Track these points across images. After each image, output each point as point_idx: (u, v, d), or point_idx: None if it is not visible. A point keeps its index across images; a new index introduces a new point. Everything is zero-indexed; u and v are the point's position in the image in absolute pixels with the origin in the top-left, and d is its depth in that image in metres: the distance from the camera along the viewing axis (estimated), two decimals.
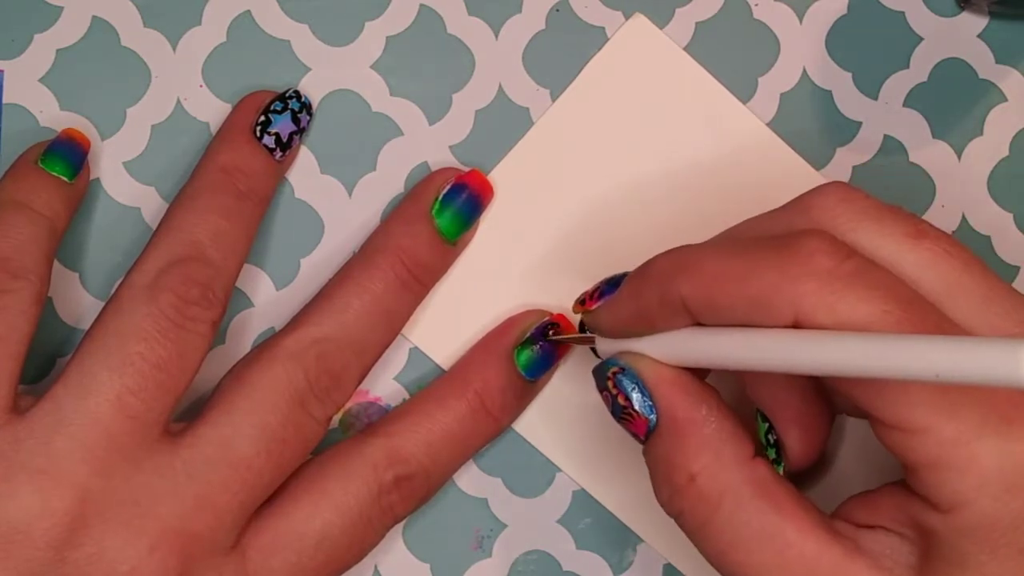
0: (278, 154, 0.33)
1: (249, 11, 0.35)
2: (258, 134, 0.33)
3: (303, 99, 0.34)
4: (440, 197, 0.34)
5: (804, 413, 0.30)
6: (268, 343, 0.32)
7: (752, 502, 0.27)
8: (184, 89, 0.35)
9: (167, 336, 0.30)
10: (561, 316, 0.34)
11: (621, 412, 0.28)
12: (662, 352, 0.28)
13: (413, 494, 0.32)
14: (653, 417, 0.28)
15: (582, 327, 0.34)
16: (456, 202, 0.34)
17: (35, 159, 0.32)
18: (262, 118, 0.33)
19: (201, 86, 0.35)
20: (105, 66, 0.35)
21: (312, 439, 0.31)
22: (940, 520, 0.25)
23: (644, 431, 0.28)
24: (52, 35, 0.34)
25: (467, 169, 0.35)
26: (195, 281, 0.30)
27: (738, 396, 0.32)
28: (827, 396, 0.31)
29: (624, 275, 0.29)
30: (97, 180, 0.34)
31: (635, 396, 0.28)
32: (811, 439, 0.30)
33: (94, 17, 0.35)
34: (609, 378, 0.29)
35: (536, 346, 0.34)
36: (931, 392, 0.24)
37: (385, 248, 0.33)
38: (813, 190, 0.28)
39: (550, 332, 0.34)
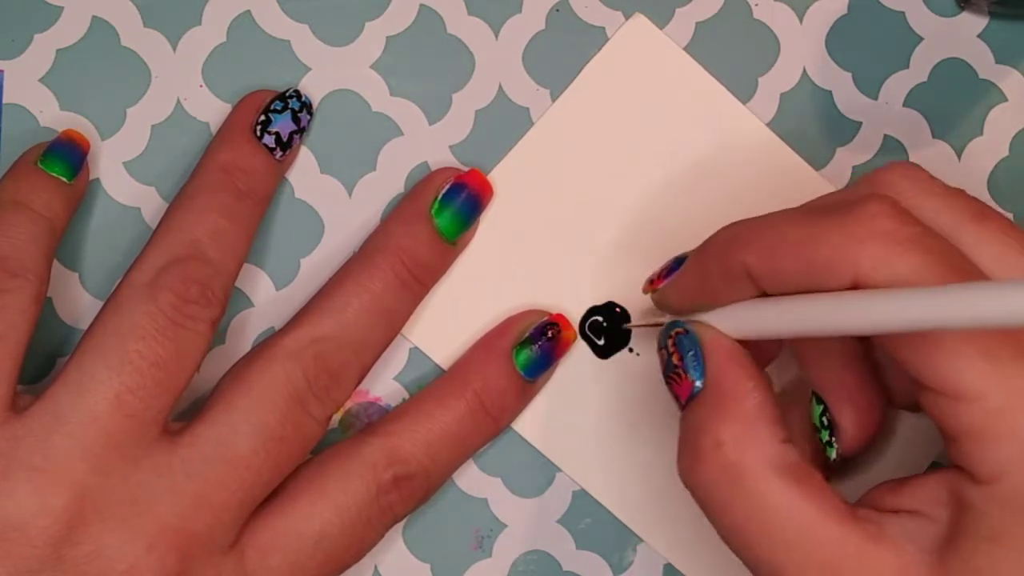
0: (278, 153, 0.33)
1: (249, 11, 0.35)
2: (258, 133, 0.33)
3: (303, 98, 0.34)
4: (440, 197, 0.34)
5: (859, 394, 0.30)
6: (267, 342, 0.32)
7: (776, 479, 0.27)
8: (184, 89, 0.35)
9: (166, 335, 0.30)
10: (560, 316, 0.34)
11: (671, 371, 0.29)
12: (725, 324, 0.29)
13: (412, 494, 0.32)
14: (699, 383, 0.28)
15: (584, 322, 0.34)
16: (456, 202, 0.34)
17: (35, 160, 0.32)
18: (262, 117, 0.33)
19: (201, 86, 0.35)
20: (105, 66, 0.35)
21: (311, 438, 0.31)
22: (977, 492, 0.25)
23: (687, 395, 0.28)
24: (52, 35, 0.34)
25: (467, 169, 0.35)
26: (194, 280, 0.30)
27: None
28: (882, 384, 0.31)
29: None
30: (97, 180, 0.34)
31: (689, 358, 0.28)
32: (864, 421, 0.31)
33: (94, 17, 0.35)
34: (671, 336, 0.29)
35: (535, 346, 0.34)
36: (982, 359, 0.25)
37: (385, 248, 0.33)
38: (880, 167, 0.29)
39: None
